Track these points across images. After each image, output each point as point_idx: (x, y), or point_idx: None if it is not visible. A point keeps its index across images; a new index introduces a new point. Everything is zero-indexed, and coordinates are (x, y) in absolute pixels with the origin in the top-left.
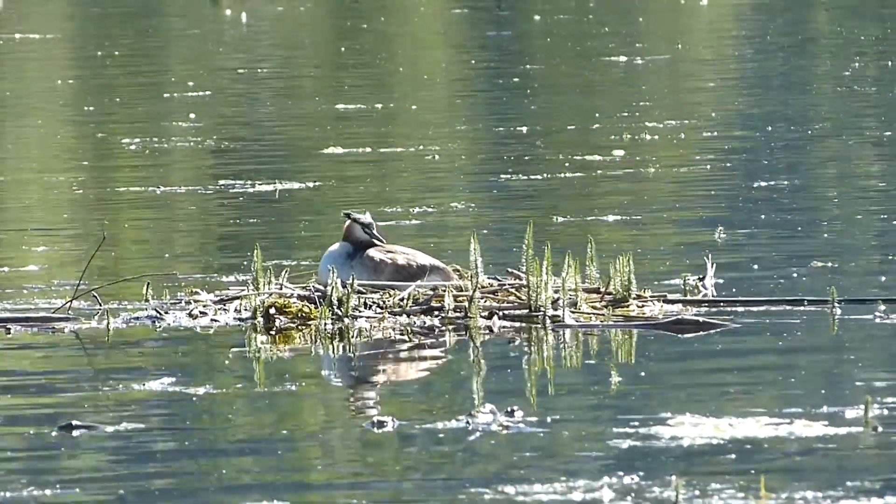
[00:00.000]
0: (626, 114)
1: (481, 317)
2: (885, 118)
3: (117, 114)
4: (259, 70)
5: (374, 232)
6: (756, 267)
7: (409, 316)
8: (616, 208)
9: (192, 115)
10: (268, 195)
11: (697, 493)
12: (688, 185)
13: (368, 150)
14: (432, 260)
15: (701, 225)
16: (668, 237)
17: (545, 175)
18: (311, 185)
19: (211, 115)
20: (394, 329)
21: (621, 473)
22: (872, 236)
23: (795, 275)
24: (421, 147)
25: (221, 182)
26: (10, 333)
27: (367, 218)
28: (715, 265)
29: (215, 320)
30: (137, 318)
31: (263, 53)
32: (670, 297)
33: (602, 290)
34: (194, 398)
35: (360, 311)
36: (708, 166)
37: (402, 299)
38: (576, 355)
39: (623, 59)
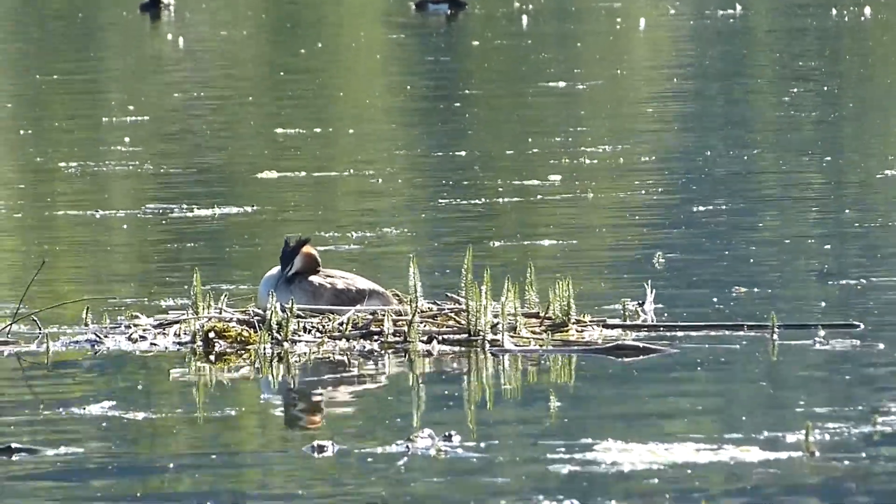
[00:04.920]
0: (564, 139)
1: (420, 341)
2: (822, 143)
3: (55, 137)
4: (197, 94)
5: (287, 255)
6: (695, 291)
7: (348, 340)
8: (555, 233)
9: (127, 139)
10: (206, 219)
11: None
12: (626, 209)
13: (305, 174)
14: (371, 284)
15: (640, 249)
16: (607, 262)
17: (484, 199)
18: (249, 209)
19: (149, 140)
20: (333, 353)
21: (560, 498)
22: (812, 262)
23: (734, 300)
24: (359, 172)
25: (160, 206)
26: None
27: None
28: (654, 290)
29: (155, 344)
30: (77, 342)
31: (202, 78)
32: (610, 321)
33: (541, 314)
34: (134, 422)
35: (299, 336)
36: (645, 191)
37: (341, 324)
38: (515, 380)
39: (562, 84)
